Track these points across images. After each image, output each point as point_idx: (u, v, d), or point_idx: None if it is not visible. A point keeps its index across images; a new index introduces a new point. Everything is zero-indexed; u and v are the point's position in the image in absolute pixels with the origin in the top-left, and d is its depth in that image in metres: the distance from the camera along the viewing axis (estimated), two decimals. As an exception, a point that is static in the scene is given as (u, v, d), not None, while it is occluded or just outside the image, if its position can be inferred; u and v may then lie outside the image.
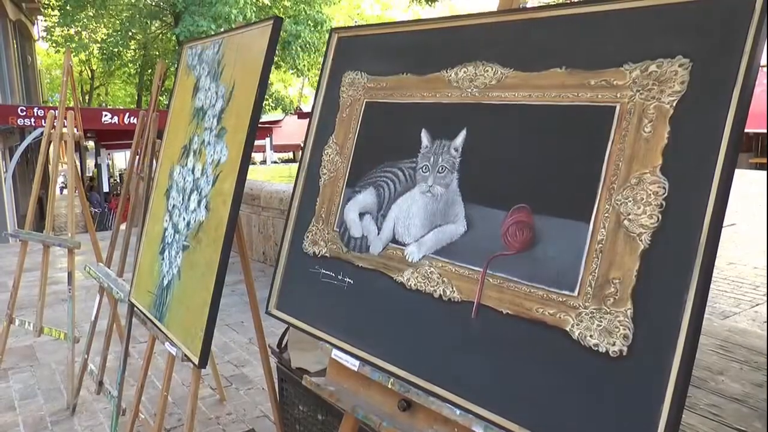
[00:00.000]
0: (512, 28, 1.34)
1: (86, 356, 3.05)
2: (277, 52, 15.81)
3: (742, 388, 2.88)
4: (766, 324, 3.93)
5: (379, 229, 1.51)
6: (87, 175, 21.77)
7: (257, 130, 1.94)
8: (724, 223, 1.00)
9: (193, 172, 2.23)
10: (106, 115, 13.23)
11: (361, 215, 1.58)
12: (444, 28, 1.50)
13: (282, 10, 15.95)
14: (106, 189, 17.64)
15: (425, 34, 1.54)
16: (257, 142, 19.86)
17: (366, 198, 1.58)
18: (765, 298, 4.49)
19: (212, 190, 2.04)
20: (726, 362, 3.17)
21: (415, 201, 1.44)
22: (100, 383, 2.86)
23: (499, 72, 1.34)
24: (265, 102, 16.89)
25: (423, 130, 1.47)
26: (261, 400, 3.11)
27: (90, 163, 22.53)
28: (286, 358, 2.43)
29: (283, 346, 2.50)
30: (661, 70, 1.09)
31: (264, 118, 18.97)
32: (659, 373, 1.00)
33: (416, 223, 1.43)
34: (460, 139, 1.38)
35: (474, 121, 1.37)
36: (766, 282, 4.85)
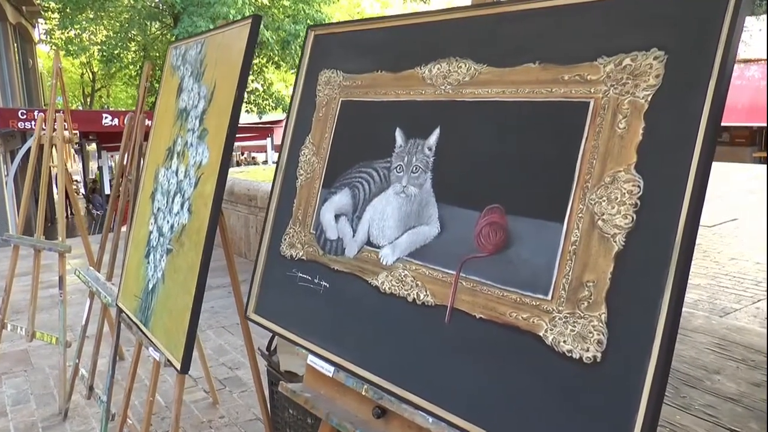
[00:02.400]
0: (485, 23, 1.30)
1: (77, 361, 3.03)
2: (276, 51, 15.74)
3: (737, 387, 2.83)
4: (766, 321, 3.87)
5: (354, 231, 1.48)
6: (89, 177, 21.84)
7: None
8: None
9: (176, 174, 2.20)
10: (106, 117, 13.24)
11: (337, 217, 1.54)
12: (417, 24, 1.45)
13: (281, 9, 15.86)
14: (108, 191, 17.66)
15: (399, 30, 1.50)
16: (259, 143, 19.86)
17: (342, 199, 1.54)
18: (765, 294, 4.43)
19: (194, 193, 2.01)
20: (723, 361, 3.12)
21: (390, 202, 1.40)
22: (91, 388, 2.84)
23: (472, 68, 1.30)
24: (265, 102, 16.83)
25: (397, 128, 1.43)
26: (254, 403, 3.08)
27: (93, 165, 22.59)
28: (276, 362, 2.40)
29: (272, 349, 2.47)
30: (636, 63, 1.05)
31: (265, 118, 18.88)
32: (634, 379, 0.96)
33: (390, 225, 1.39)
34: (433, 138, 1.34)
35: (447, 119, 1.33)
36: (766, 278, 4.78)
